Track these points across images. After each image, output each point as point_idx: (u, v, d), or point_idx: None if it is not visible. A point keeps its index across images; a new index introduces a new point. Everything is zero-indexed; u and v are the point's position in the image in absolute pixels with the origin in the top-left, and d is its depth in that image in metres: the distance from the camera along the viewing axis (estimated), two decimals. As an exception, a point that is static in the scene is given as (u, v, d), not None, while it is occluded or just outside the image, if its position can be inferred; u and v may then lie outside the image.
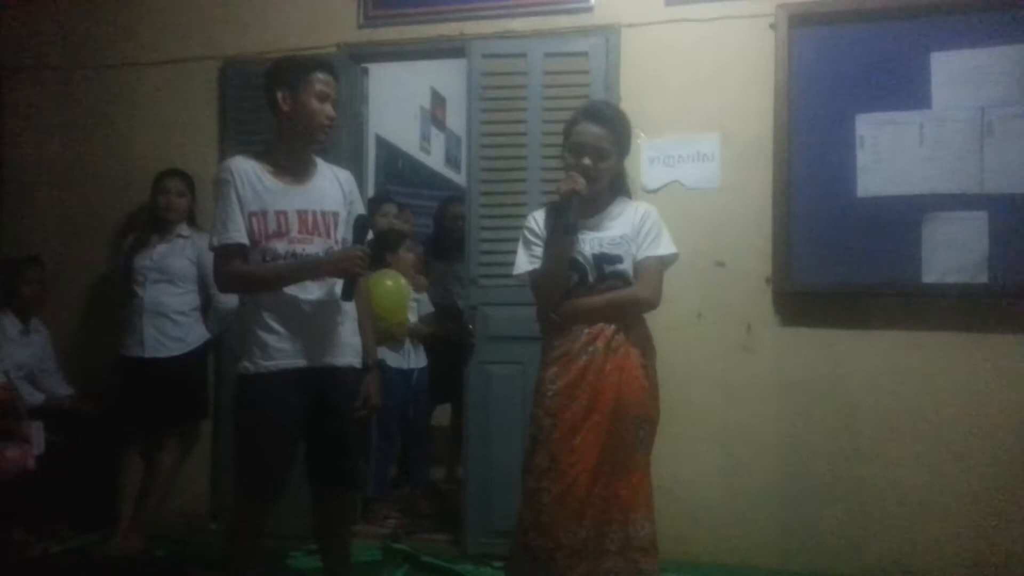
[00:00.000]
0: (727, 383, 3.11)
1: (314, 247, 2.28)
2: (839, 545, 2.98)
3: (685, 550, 3.04)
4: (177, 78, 3.69)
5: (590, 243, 2.24)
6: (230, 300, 3.32)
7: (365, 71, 3.74)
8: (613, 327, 2.19)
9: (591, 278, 2.23)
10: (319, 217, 2.32)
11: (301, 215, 2.28)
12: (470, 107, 3.36)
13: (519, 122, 3.27)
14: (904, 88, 2.99)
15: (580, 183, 2.17)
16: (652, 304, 2.26)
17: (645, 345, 2.27)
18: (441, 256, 4.18)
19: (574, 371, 2.18)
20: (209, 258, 3.28)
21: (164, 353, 3.28)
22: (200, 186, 3.45)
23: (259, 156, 2.32)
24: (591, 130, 2.22)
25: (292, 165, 2.33)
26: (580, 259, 2.23)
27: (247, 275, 2.26)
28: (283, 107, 2.27)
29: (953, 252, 2.91)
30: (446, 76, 5.77)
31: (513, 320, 3.21)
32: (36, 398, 3.41)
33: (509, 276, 3.17)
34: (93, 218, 3.73)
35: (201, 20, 3.68)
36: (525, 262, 2.30)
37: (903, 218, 2.96)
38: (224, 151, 3.61)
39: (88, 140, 3.77)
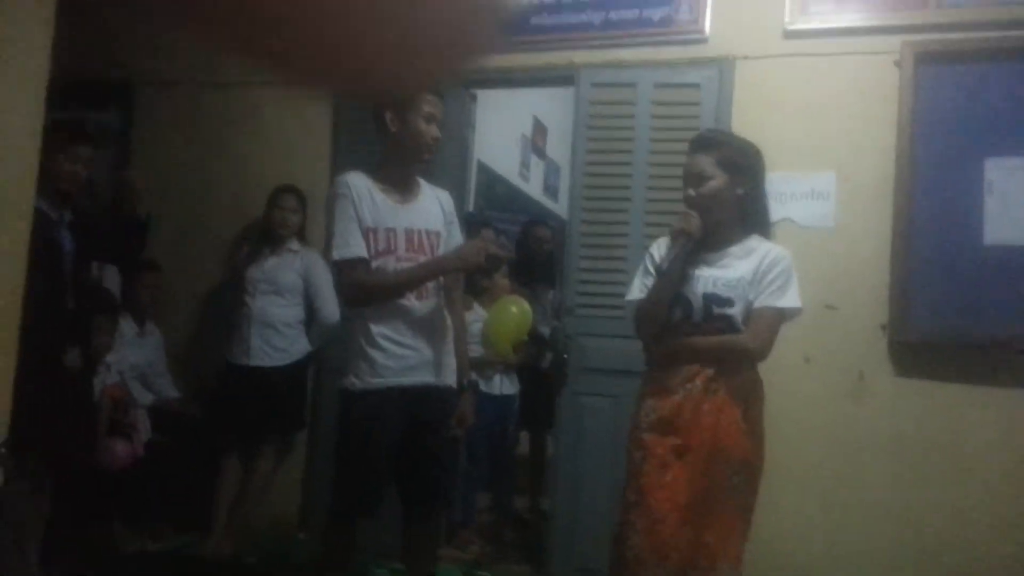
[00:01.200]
0: (834, 434, 2.96)
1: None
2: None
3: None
4: (294, 97, 3.82)
5: (703, 281, 2.13)
6: (332, 315, 3.41)
7: (474, 97, 3.80)
8: (714, 369, 2.10)
9: (697, 318, 2.13)
10: (424, 236, 2.35)
11: (408, 234, 2.32)
12: (576, 135, 3.35)
13: (625, 152, 3.24)
14: (1038, 131, 2.81)
15: (693, 224, 2.09)
16: (760, 356, 2.14)
17: (750, 390, 2.15)
18: (524, 282, 4.17)
19: (670, 406, 2.10)
20: (317, 273, 3.43)
21: (268, 362, 3.37)
22: (311, 203, 3.56)
23: (370, 173, 2.36)
24: (692, 159, 2.15)
25: (399, 184, 2.37)
26: (689, 296, 2.14)
27: (374, 285, 2.27)
28: (391, 127, 2.31)
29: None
30: (549, 105, 5.82)
31: (609, 352, 3.16)
32: (146, 398, 3.55)
33: (606, 307, 3.19)
34: (209, 229, 3.89)
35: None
36: (636, 289, 2.24)
37: (1033, 269, 2.77)
38: (336, 170, 3.73)
39: (209, 154, 3.94)
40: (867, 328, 2.95)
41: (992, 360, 2.83)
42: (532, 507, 4.17)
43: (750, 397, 2.14)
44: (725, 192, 2.13)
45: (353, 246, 2.23)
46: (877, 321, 2.94)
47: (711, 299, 2.11)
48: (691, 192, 2.13)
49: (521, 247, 4.33)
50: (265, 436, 3.41)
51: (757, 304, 2.09)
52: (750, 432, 2.11)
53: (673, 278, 2.11)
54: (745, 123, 3.11)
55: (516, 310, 3.55)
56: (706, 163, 2.12)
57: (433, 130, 2.33)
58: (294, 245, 3.50)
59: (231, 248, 3.80)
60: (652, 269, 2.21)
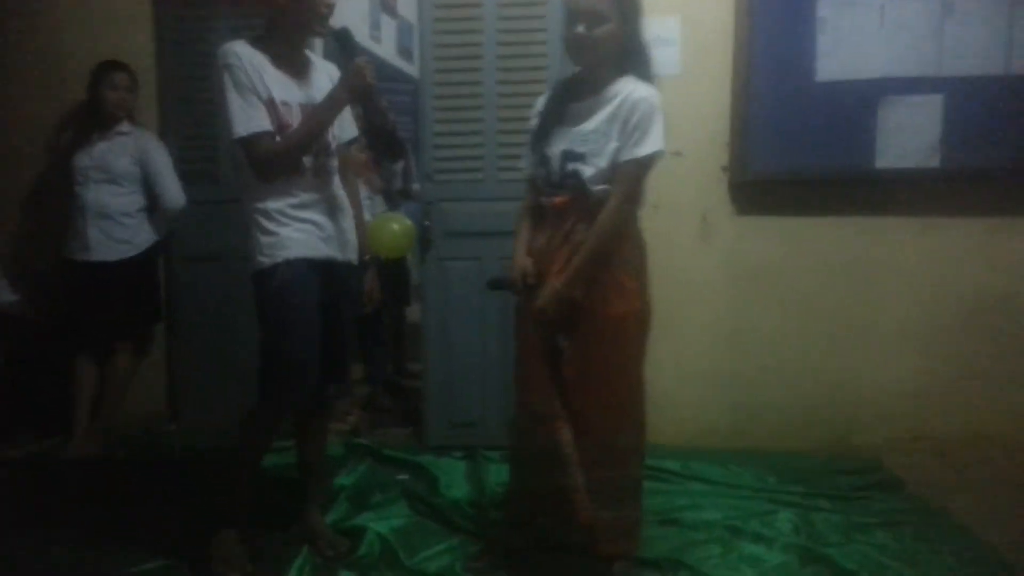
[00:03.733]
0: (681, 273, 3.13)
1: None
2: (787, 425, 3.11)
3: (641, 435, 3.14)
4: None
5: (563, 137, 2.08)
6: (176, 199, 3.22)
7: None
8: (573, 219, 2.06)
9: (555, 177, 2.09)
10: (308, 109, 2.20)
11: (303, 109, 2.17)
12: (420, -10, 3.19)
13: (474, 6, 3.12)
14: (866, -33, 2.90)
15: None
16: (631, 211, 2.08)
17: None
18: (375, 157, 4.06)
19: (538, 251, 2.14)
20: (154, 156, 3.21)
21: (112, 256, 3.18)
22: (140, 81, 3.30)
23: (255, 44, 2.13)
24: None
25: (290, 57, 2.18)
26: (548, 154, 2.09)
27: (283, 149, 2.11)
28: None
29: (907, 136, 2.92)
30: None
31: (470, 215, 3.17)
32: (-19, 305, 3.31)
33: (465, 171, 3.17)
34: (24, 117, 3.51)
35: None
36: (526, 160, 2.20)
37: (860, 103, 2.94)
38: (159, 40, 3.42)
39: (10, 32, 3.51)
40: (710, 171, 3.09)
41: (823, 192, 3.04)
42: (399, 371, 4.34)
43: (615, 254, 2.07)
44: (614, 38, 2.03)
45: (258, 119, 2.07)
46: (719, 163, 3.08)
47: (567, 155, 2.07)
48: (581, 29, 1.99)
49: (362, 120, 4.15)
50: (119, 334, 3.26)
51: (621, 158, 2.01)
52: (614, 285, 2.06)
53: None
54: (588, -31, 3.05)
55: (397, 227, 3.41)
56: (601, 1, 1.99)
57: None
58: (125, 127, 3.23)
59: (52, 133, 3.46)
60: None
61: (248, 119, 2.07)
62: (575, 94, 2.11)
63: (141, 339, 3.39)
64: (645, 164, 2.03)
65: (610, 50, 2.04)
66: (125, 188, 3.20)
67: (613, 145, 2.02)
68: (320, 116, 2.15)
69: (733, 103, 3.03)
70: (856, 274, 3.04)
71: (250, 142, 2.08)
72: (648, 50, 2.11)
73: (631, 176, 2.03)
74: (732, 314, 3.14)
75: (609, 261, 2.05)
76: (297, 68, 2.20)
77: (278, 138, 2.10)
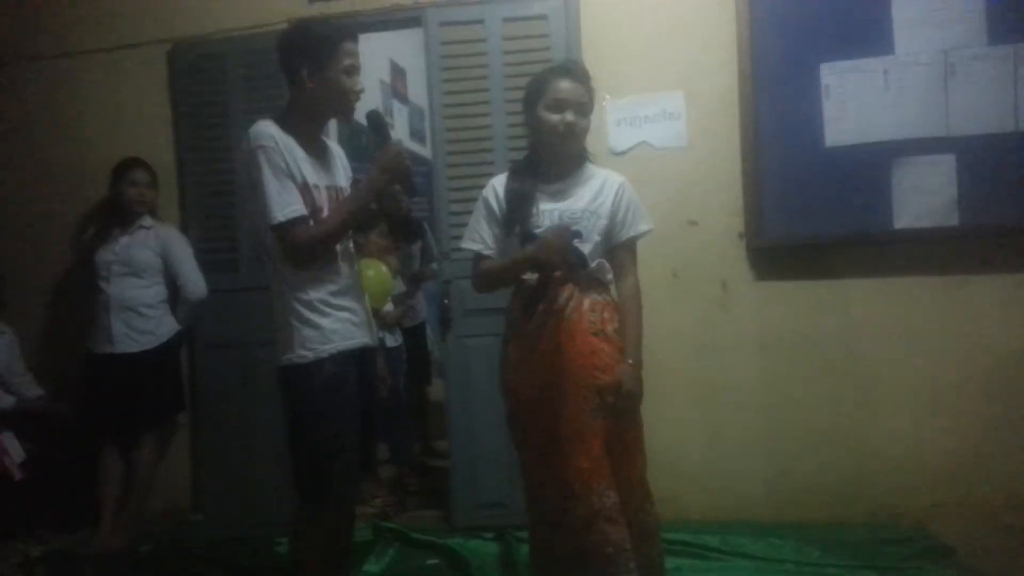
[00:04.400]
0: (705, 342, 3.11)
1: None
2: (825, 494, 3.02)
3: (673, 509, 3.05)
4: (125, 65, 3.57)
5: (550, 215, 2.12)
6: (198, 289, 3.27)
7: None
8: (566, 295, 2.07)
9: None
10: (340, 193, 2.20)
11: (328, 191, 2.15)
12: (430, 78, 3.28)
13: (481, 91, 3.21)
14: (866, 34, 2.97)
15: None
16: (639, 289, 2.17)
17: (604, 310, 2.11)
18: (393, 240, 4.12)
19: (528, 344, 2.10)
20: (175, 248, 3.27)
21: (135, 348, 3.20)
22: (158, 175, 3.39)
23: (280, 124, 2.08)
24: (574, 86, 2.11)
25: (311, 139, 2.16)
26: (537, 233, 2.10)
27: (325, 236, 2.05)
28: (308, 84, 2.07)
29: (923, 197, 2.92)
30: (404, 47, 5.65)
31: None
32: (7, 402, 3.33)
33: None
34: (48, 214, 3.62)
35: (145, 3, 3.55)
36: (476, 238, 2.19)
37: (872, 166, 2.96)
38: (179, 137, 3.52)
39: (37, 134, 3.64)
40: (726, 238, 3.10)
41: (842, 255, 3.03)
42: (426, 451, 4.27)
43: (604, 314, 2.11)
44: (587, 130, 2.17)
45: (295, 204, 2.00)
46: (735, 231, 3.09)
47: None
48: (571, 118, 2.09)
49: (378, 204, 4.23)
50: (143, 424, 3.26)
51: (623, 237, 2.14)
52: (614, 355, 2.07)
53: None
54: (594, 51, 3.15)
55: (372, 273, 3.48)
56: (586, 94, 2.13)
57: (356, 83, 2.12)
58: (146, 222, 3.31)
59: (76, 230, 3.54)
60: (493, 213, 2.17)
61: (285, 204, 1.99)
62: (543, 177, 2.16)
63: (165, 429, 3.38)
64: (636, 242, 2.19)
65: (583, 140, 2.17)
66: (147, 280, 3.25)
67: (604, 223, 2.12)
68: (357, 201, 2.12)
69: (744, 171, 3.06)
70: (883, 336, 3.00)
71: (287, 228, 1.99)
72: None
73: (634, 252, 2.19)
74: (760, 381, 3.09)
75: (608, 331, 2.10)
76: (318, 150, 2.19)
77: (311, 223, 2.05)
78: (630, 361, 2.06)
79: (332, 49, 2.07)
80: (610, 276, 2.16)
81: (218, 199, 3.47)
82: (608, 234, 2.15)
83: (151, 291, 3.25)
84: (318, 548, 2.13)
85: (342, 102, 2.13)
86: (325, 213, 2.10)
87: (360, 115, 2.27)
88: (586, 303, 2.09)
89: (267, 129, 2.04)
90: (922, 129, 2.92)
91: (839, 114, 2.99)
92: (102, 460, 3.23)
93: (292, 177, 2.03)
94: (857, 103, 2.97)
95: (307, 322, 2.06)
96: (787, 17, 3.03)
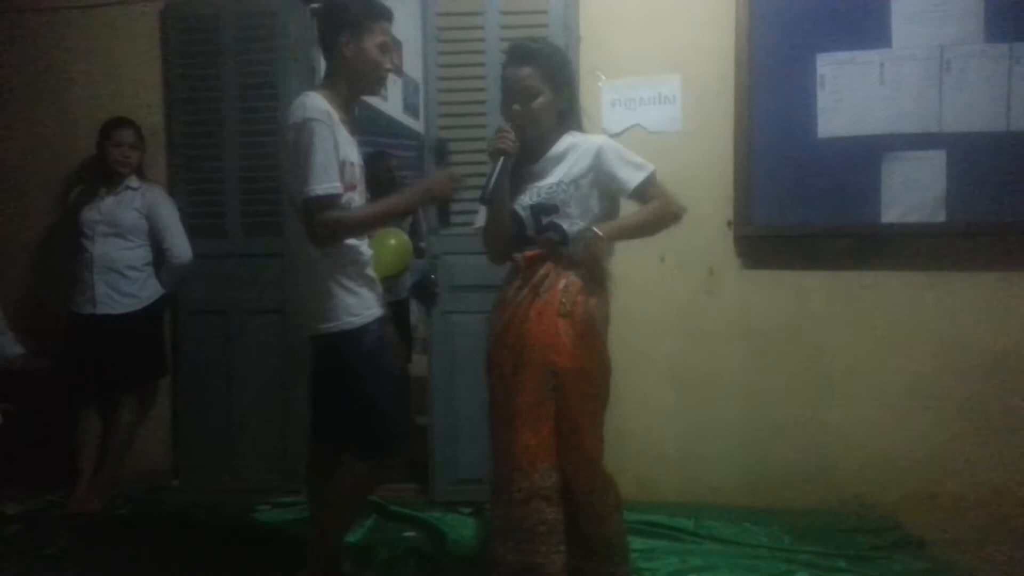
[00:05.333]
0: (688, 327, 3.13)
1: (360, 202, 2.25)
2: (799, 481, 3.05)
3: (650, 491, 3.09)
4: (117, 23, 3.50)
5: (530, 193, 2.13)
6: (183, 253, 3.25)
7: (313, 11, 3.59)
8: (544, 271, 2.07)
9: (529, 231, 2.12)
10: (362, 171, 2.30)
11: (359, 169, 2.26)
12: (426, 49, 3.25)
13: (477, 65, 3.18)
14: (864, 26, 2.96)
15: (508, 142, 2.04)
16: (674, 215, 2.14)
17: (578, 293, 2.07)
18: None
19: (505, 318, 2.12)
20: (162, 210, 3.24)
21: (117, 310, 3.19)
22: (147, 136, 3.35)
23: (327, 98, 2.15)
24: (515, 73, 2.08)
25: (348, 114, 2.24)
26: (519, 211, 2.12)
27: (352, 223, 2.17)
28: (345, 52, 2.17)
29: (912, 192, 2.94)
30: (400, 18, 5.58)
31: (476, 269, 3.16)
32: (-14, 359, 3.30)
33: (470, 224, 3.17)
34: (35, 171, 3.57)
35: (139, -41, 3.49)
36: (481, 217, 2.21)
37: (863, 158, 2.97)
38: (169, 98, 3.47)
39: (24, 90, 3.58)
40: (715, 225, 3.10)
41: (829, 246, 3.05)
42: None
43: (578, 296, 2.06)
44: (551, 107, 2.12)
45: (334, 181, 2.08)
46: (724, 218, 3.09)
47: (538, 209, 2.11)
48: (517, 107, 2.09)
49: (373, 181, 4.21)
50: (124, 387, 3.24)
51: (629, 191, 2.09)
52: (573, 334, 2.04)
53: (501, 200, 2.09)
54: (592, 29, 3.13)
55: (394, 242, 3.47)
56: (530, 76, 2.08)
57: (387, 60, 2.23)
58: (133, 182, 3.27)
59: (62, 189, 3.50)
60: None
61: (326, 179, 2.06)
62: (524, 158, 2.15)
63: (145, 393, 3.37)
64: (654, 181, 2.11)
65: (548, 118, 2.13)
66: (132, 242, 3.22)
67: (584, 190, 2.09)
68: (397, 207, 2.27)
69: (736, 158, 3.06)
70: (865, 329, 3.03)
71: (321, 203, 2.07)
72: (579, 104, 2.25)
73: (656, 190, 2.12)
74: (741, 368, 3.11)
75: (576, 314, 2.05)
76: (352, 125, 2.26)
77: (344, 199, 2.12)
78: (599, 232, 2.03)
79: (371, 22, 2.19)
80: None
81: (207, 162, 3.43)
82: (609, 195, 2.14)
83: (135, 253, 3.23)
84: (363, 498, 2.31)
85: (375, 73, 2.23)
86: (357, 190, 2.21)
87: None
88: (561, 283, 2.07)
89: (321, 104, 2.10)
90: (915, 124, 2.93)
91: (833, 105, 2.99)
92: (81, 421, 3.22)
93: (337, 154, 2.11)
94: (852, 95, 2.98)
95: (349, 290, 2.17)
96: (786, 5, 3.02)
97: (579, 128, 2.21)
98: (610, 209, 2.17)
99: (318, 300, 2.17)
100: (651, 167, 2.12)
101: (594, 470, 2.11)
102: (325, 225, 2.09)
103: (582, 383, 2.05)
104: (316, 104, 2.09)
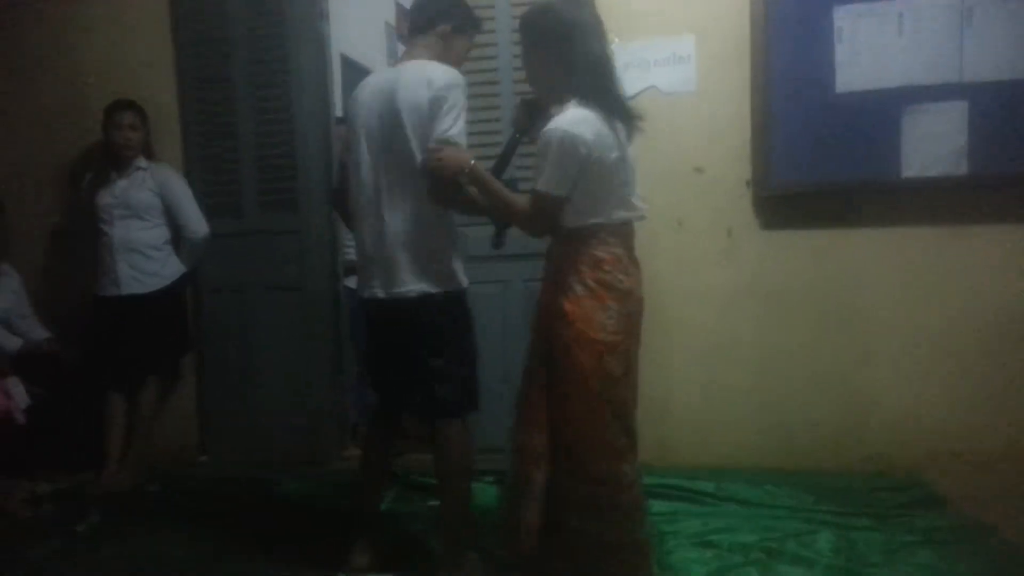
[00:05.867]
0: (708, 290, 3.10)
1: None
2: (821, 442, 3.04)
3: (670, 454, 3.10)
4: (125, 4, 3.50)
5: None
6: (200, 229, 3.27)
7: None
8: (558, 252, 2.12)
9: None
10: None
11: None
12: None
13: (489, 32, 3.12)
14: (882, -25, 2.88)
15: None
16: (525, 225, 2.14)
17: (566, 271, 2.06)
18: None
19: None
20: (174, 188, 3.25)
21: (141, 289, 3.22)
22: (156, 117, 3.36)
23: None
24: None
25: None
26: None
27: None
28: (447, 36, 2.34)
29: (933, 144, 2.87)
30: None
31: (489, 239, 3.15)
32: (13, 343, 3.35)
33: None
34: (49, 155, 3.59)
35: (146, -61, 3.48)
36: (554, 182, 2.02)
37: (883, 112, 2.90)
38: (180, 78, 3.47)
39: (36, 76, 3.59)
40: (733, 186, 3.06)
41: (849, 204, 3.00)
42: None
43: (565, 279, 2.05)
44: (540, 72, 2.13)
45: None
46: (742, 178, 3.05)
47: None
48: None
49: None
50: (150, 366, 3.29)
51: (531, 188, 2.05)
52: (558, 312, 2.03)
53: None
54: (602, -9, 3.07)
55: None
56: (523, 44, 2.16)
57: (461, 64, 2.41)
58: (142, 163, 3.28)
59: (75, 172, 3.52)
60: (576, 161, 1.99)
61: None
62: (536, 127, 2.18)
63: (171, 371, 3.42)
64: (535, 198, 2.03)
65: (548, 83, 2.12)
66: (150, 221, 3.25)
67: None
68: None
69: (753, 117, 3.01)
70: (886, 286, 2.98)
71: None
72: (595, 68, 2.05)
73: (527, 205, 2.07)
74: (761, 330, 3.09)
75: (556, 287, 2.07)
76: None
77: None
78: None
79: (472, 28, 2.43)
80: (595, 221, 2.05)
81: (221, 141, 3.44)
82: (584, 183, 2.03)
83: (154, 232, 3.25)
84: (473, 455, 2.34)
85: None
86: None
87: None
88: (573, 261, 2.05)
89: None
90: (935, 75, 2.86)
91: (851, 59, 2.93)
92: (107, 402, 3.27)
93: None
94: (870, 47, 2.91)
95: (459, 254, 2.33)
96: (800, -43, 2.94)
97: (586, 94, 2.03)
98: (587, 194, 2.03)
99: (434, 261, 2.26)
100: (542, 188, 2.01)
101: (568, 454, 2.06)
102: (541, 217, 2.06)
103: (567, 351, 2.02)
104: (461, 78, 2.24)
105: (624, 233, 2.10)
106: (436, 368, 2.26)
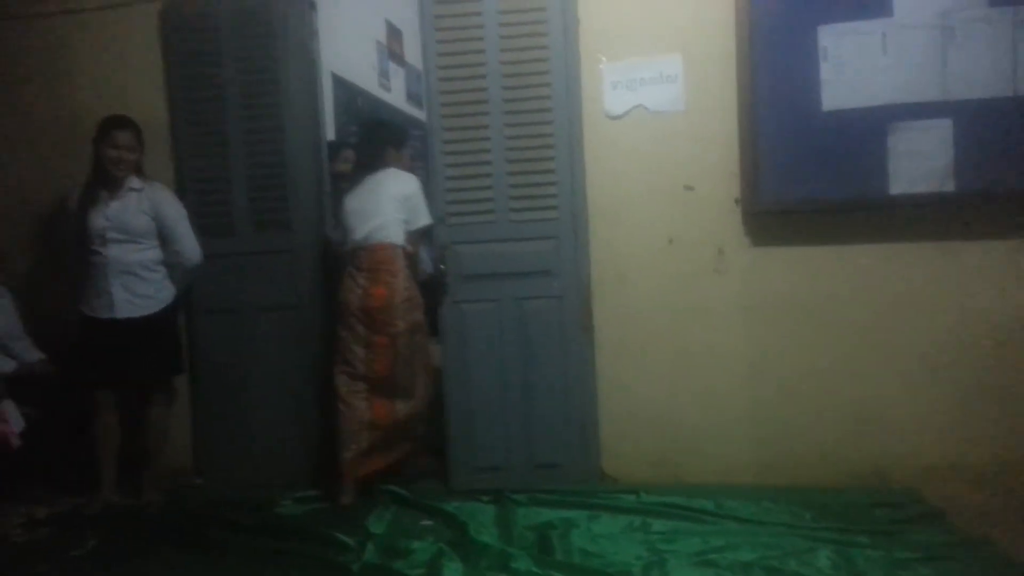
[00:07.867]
0: (699, 307, 3.12)
1: None
2: (817, 458, 3.05)
3: (666, 472, 3.11)
4: (116, 23, 3.52)
5: None
6: (194, 254, 3.25)
7: (312, 5, 3.59)
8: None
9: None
10: None
11: None
12: (425, 37, 3.23)
13: (478, 52, 3.16)
14: (865, -5, 2.92)
15: None
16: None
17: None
18: None
19: None
20: (168, 210, 3.22)
21: (136, 313, 3.18)
22: (147, 135, 3.31)
23: None
24: None
25: None
26: None
27: None
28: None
29: (919, 161, 2.91)
30: (400, 6, 5.57)
31: (485, 257, 3.19)
32: (8, 366, 3.33)
33: (477, 213, 3.18)
34: (40, 174, 3.59)
35: (136, -38, 3.49)
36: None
37: (869, 130, 2.94)
38: (171, 97, 3.48)
39: (28, 94, 3.60)
40: (723, 203, 3.09)
41: (838, 220, 3.02)
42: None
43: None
44: None
45: None
46: (731, 196, 3.08)
47: None
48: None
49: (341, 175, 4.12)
50: (147, 387, 3.29)
51: None
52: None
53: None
54: (591, 12, 3.11)
55: None
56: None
57: None
58: (135, 183, 3.21)
59: (66, 192, 3.51)
60: None
61: None
62: None
63: (164, 391, 3.41)
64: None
65: None
66: (144, 244, 3.20)
67: None
68: None
69: (741, 135, 3.04)
70: (878, 302, 3.01)
71: None
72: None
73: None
74: (754, 346, 3.11)
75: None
76: None
77: None
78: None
79: None
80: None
81: (213, 160, 3.44)
82: None
83: (148, 254, 3.21)
84: None
85: None
86: None
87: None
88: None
89: None
90: (920, 93, 2.90)
91: (836, 77, 2.96)
92: (99, 423, 3.24)
93: None
94: (855, 66, 2.94)
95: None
96: (786, -23, 2.98)
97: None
98: None
99: None
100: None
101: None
102: None
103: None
104: None
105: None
106: None
